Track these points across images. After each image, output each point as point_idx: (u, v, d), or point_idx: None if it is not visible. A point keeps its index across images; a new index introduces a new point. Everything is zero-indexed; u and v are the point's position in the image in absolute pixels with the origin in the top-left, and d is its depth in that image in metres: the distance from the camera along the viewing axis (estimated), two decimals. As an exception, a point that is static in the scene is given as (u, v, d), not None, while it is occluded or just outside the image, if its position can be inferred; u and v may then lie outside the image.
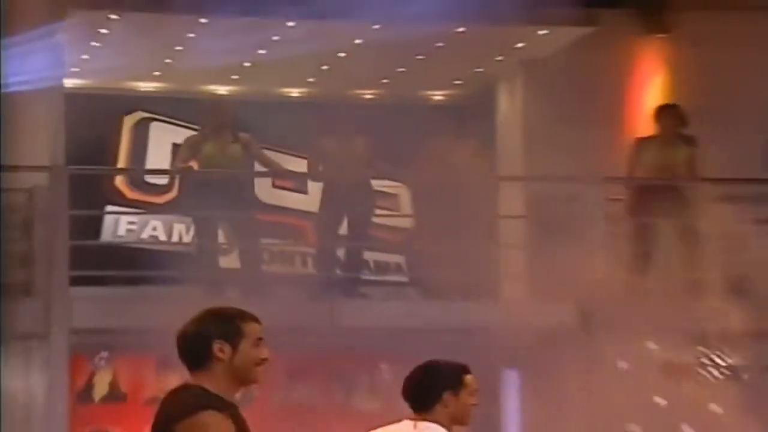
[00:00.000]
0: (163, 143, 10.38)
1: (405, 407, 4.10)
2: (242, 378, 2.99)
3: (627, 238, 9.14)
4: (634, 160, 8.88)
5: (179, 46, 9.51)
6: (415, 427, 3.79)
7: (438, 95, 11.53)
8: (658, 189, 9.13)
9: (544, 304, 8.49)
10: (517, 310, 8.72)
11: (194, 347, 2.87)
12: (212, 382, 2.84)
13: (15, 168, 8.24)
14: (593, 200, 8.92)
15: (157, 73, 10.38)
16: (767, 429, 8.04)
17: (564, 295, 8.49)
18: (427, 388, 4.04)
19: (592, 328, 8.50)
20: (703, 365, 8.81)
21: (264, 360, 2.98)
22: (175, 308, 7.00)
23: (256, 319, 3.04)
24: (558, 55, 9.88)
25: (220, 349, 2.82)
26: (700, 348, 8.61)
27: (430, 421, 3.97)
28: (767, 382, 8.62)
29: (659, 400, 8.53)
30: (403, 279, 10.19)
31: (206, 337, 2.84)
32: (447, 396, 3.93)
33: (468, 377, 3.86)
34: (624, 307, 8.47)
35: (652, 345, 8.59)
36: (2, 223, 8.18)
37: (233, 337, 2.88)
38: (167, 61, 9.89)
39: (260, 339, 2.97)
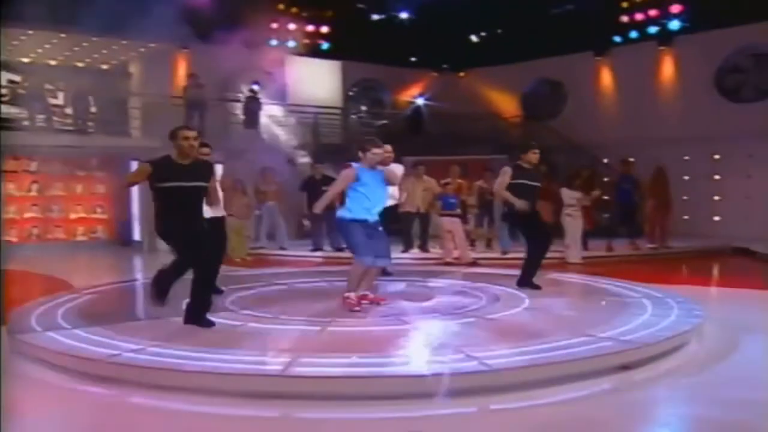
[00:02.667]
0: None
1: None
2: (182, 152, 5.84)
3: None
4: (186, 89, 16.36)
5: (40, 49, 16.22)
6: None
7: (106, 66, 17.91)
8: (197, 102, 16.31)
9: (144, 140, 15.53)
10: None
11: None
12: (175, 154, 5.90)
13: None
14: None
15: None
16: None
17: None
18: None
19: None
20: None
21: (189, 144, 5.77)
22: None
23: (187, 128, 6.05)
24: (151, 52, 17.03)
25: (173, 145, 5.85)
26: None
27: None
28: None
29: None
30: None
31: (169, 137, 5.89)
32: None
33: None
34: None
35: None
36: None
37: (174, 138, 5.87)
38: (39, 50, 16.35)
39: (186, 138, 5.80)
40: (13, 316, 7.04)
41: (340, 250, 13.78)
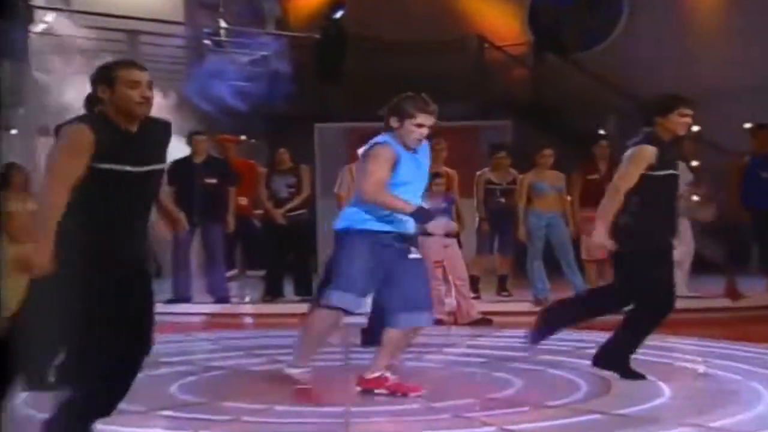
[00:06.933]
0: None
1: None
2: (126, 112, 4.26)
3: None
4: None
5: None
6: None
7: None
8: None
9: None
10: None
11: (91, 91, 4.30)
12: (108, 114, 4.24)
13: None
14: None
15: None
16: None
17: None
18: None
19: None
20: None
21: (143, 98, 4.24)
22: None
23: (136, 66, 4.36)
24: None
25: (102, 90, 4.20)
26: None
27: None
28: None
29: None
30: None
31: (92, 83, 4.25)
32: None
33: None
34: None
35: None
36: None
37: (110, 81, 4.23)
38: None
39: (137, 82, 4.23)
40: None
41: (224, 300, 12.94)
